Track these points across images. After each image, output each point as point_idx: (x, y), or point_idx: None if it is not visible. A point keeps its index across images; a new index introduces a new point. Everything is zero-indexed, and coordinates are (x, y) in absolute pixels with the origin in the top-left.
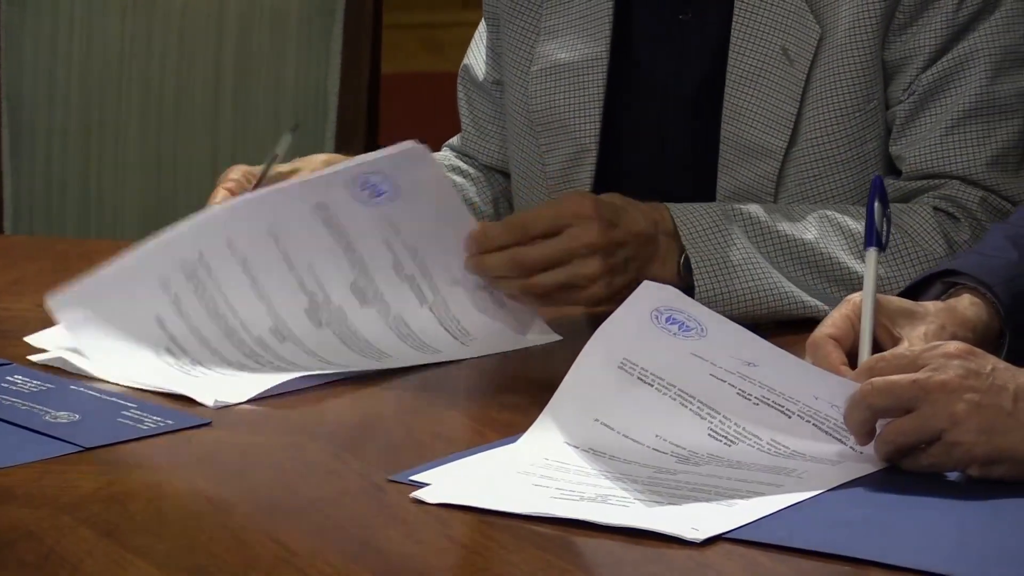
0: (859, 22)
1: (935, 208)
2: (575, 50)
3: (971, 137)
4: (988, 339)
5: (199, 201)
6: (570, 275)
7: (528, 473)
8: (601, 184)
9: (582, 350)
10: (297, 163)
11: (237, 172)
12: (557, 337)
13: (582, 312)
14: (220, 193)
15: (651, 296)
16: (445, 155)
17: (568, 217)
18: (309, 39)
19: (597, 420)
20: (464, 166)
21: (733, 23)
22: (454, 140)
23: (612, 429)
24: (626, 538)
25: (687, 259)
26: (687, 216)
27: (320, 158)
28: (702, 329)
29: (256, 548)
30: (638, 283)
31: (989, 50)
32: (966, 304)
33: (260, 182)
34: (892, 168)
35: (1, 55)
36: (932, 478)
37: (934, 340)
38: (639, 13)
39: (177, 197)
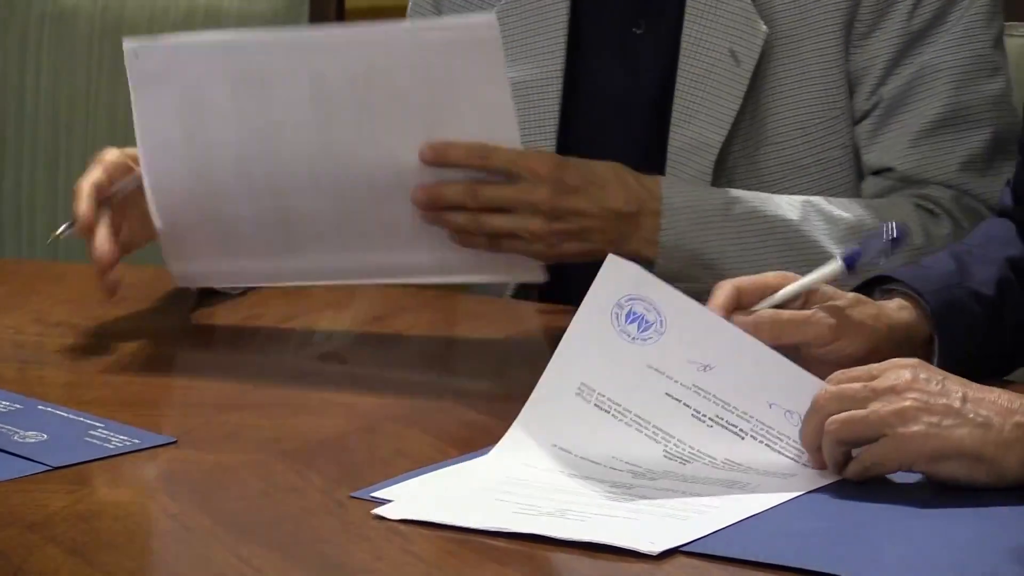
0: (819, 32)
1: (915, 205)
2: (529, 69)
3: (942, 146)
4: (914, 342)
5: None
6: (516, 225)
7: (489, 489)
8: None
9: (543, 374)
10: None
11: (113, 153)
12: None
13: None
14: (96, 170)
15: (614, 281)
16: None
17: (524, 169)
18: None
19: (555, 445)
20: None
21: (683, 29)
22: None
23: (570, 452)
24: (584, 552)
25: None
26: (675, 194)
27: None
28: (662, 323)
29: (221, 566)
30: (605, 254)
31: (955, 60)
32: (894, 307)
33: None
34: (857, 176)
35: None
36: (882, 489)
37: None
38: (591, 29)
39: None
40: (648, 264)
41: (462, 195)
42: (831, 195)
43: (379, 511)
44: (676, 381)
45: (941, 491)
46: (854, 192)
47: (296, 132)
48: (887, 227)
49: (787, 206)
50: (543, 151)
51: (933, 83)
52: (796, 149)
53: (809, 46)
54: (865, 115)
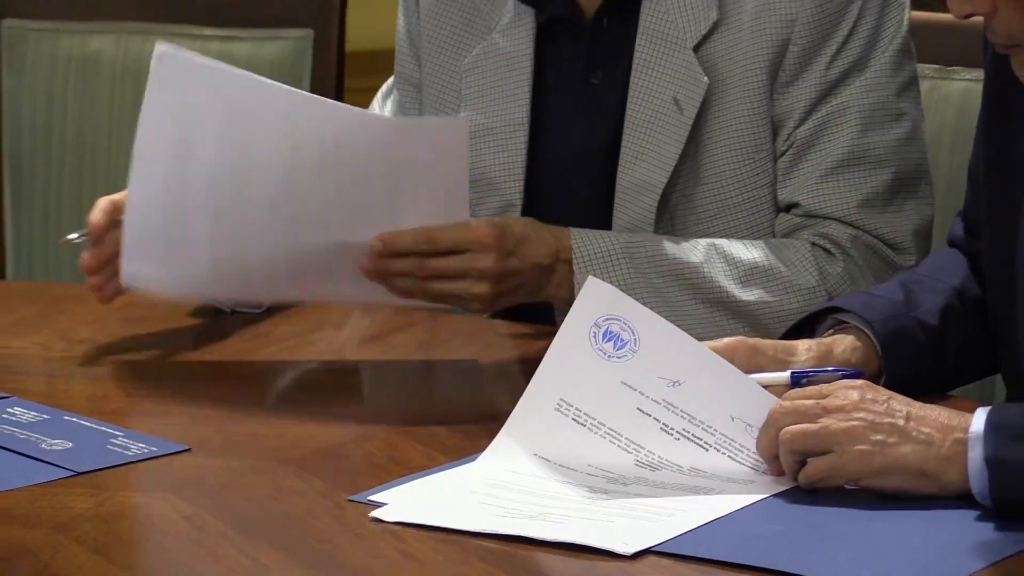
0: (749, 82)
1: (812, 243)
2: (497, 115)
3: (844, 184)
4: (863, 367)
5: None
6: (461, 290)
7: (476, 492)
8: None
9: (526, 389)
10: None
11: (104, 202)
12: None
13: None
14: (115, 195)
15: (594, 302)
16: None
17: (469, 243)
18: None
19: (536, 454)
20: None
21: (631, 79)
22: None
23: (549, 461)
24: (563, 552)
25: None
26: (583, 244)
27: None
28: (636, 341)
29: (230, 563)
30: (525, 302)
31: (860, 106)
32: (846, 345)
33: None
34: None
35: (3, 117)
36: (834, 494)
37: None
38: (553, 79)
39: None
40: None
41: (409, 268)
42: (760, 231)
43: (375, 513)
44: (647, 396)
45: (888, 496)
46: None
47: (264, 176)
48: (844, 370)
49: (690, 249)
50: (481, 221)
51: (840, 126)
52: (729, 189)
53: (740, 94)
54: (782, 155)
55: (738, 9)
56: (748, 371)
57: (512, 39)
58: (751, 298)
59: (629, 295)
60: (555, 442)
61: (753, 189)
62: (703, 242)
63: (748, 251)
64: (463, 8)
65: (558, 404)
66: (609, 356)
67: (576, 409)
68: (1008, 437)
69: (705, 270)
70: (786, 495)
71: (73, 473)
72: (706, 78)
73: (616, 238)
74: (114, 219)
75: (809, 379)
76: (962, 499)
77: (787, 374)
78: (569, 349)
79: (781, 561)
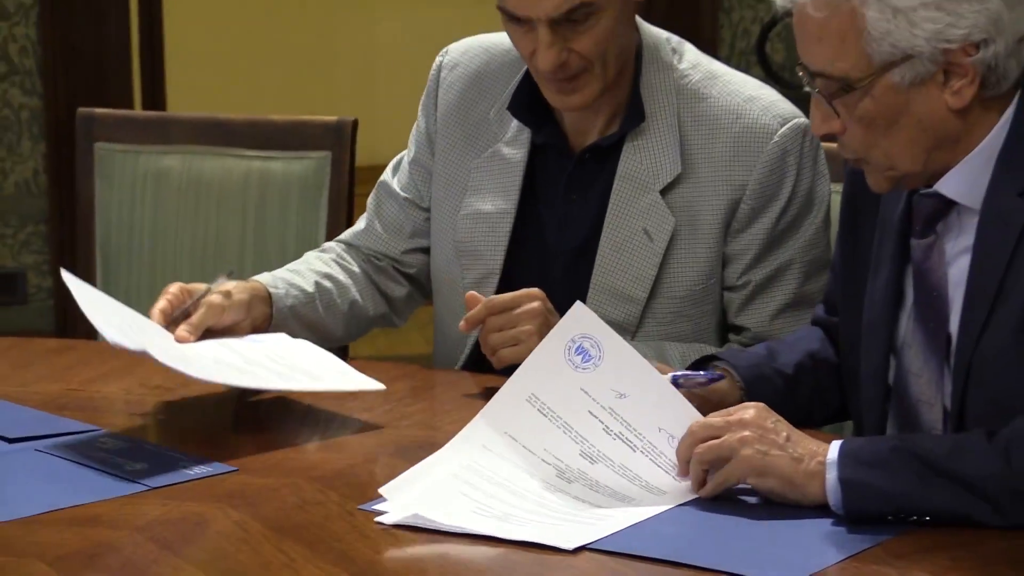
0: (708, 226)
1: None
2: (493, 204)
3: (788, 322)
4: (727, 403)
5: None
6: (513, 336)
7: (457, 476)
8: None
9: (505, 383)
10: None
11: (175, 287)
12: None
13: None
14: (160, 302)
15: (575, 321)
16: (333, 247)
17: (521, 299)
18: (304, 204)
19: (506, 433)
20: (352, 266)
21: (608, 209)
22: (349, 236)
23: (515, 440)
24: (519, 547)
25: None
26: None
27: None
28: (599, 358)
29: (268, 556)
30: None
31: (802, 261)
32: (726, 384)
33: (196, 302)
34: (723, 319)
35: (96, 217)
36: (727, 505)
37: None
38: (541, 187)
39: None
40: None
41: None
42: (703, 336)
43: (379, 519)
44: (597, 403)
45: (770, 506)
46: (716, 334)
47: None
48: (711, 373)
49: (674, 351)
50: (522, 291)
51: (787, 276)
52: (685, 303)
53: (700, 234)
54: (734, 288)
55: (696, 168)
56: None
57: (513, 149)
58: None
59: None
60: (523, 425)
61: (703, 305)
62: (655, 343)
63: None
64: (476, 119)
65: (529, 397)
66: (576, 367)
67: (542, 403)
68: (855, 463)
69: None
70: (690, 504)
71: (148, 488)
72: (673, 217)
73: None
74: (167, 322)
75: (684, 379)
76: (822, 509)
77: (669, 376)
78: (546, 356)
79: (681, 554)
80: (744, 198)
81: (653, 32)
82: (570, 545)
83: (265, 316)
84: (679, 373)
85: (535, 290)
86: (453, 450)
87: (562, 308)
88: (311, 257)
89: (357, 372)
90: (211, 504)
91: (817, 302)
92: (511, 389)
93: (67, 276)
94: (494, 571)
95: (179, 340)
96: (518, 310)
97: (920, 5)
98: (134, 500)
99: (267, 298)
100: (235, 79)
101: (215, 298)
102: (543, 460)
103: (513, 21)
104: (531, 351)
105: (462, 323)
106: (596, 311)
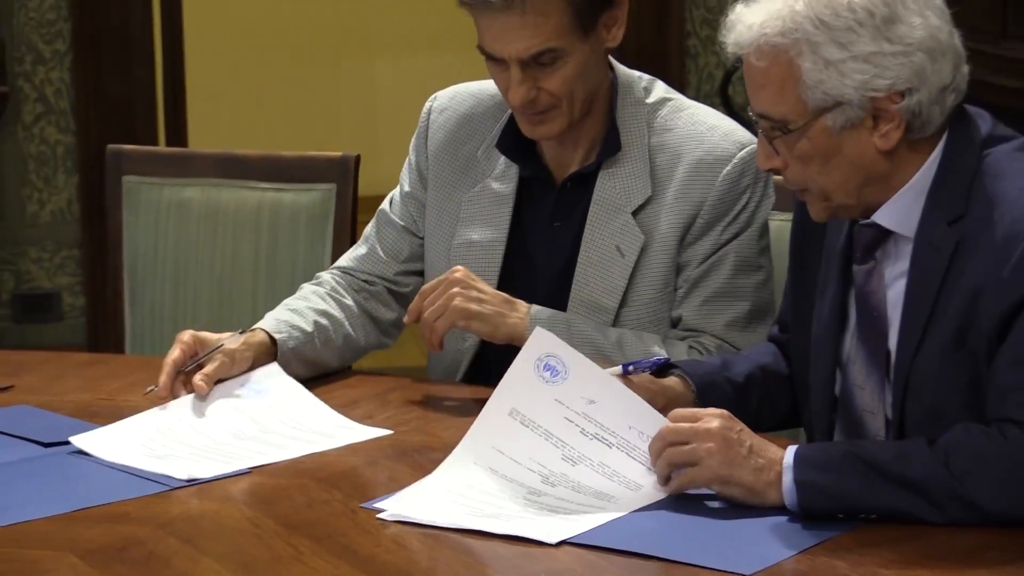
0: (668, 240)
1: (689, 347)
2: (483, 234)
3: (713, 311)
4: (682, 405)
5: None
6: (440, 307)
7: (451, 491)
8: None
9: (487, 402)
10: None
11: (187, 336)
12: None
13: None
14: (174, 352)
15: (539, 343)
16: (327, 280)
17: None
18: (311, 231)
19: (493, 447)
20: (345, 299)
21: (584, 231)
22: (347, 262)
23: (502, 452)
24: (507, 541)
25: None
26: (539, 309)
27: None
28: (566, 372)
29: (277, 550)
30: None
31: (734, 257)
32: (675, 384)
33: (209, 355)
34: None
35: (124, 243)
36: (692, 504)
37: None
38: (528, 217)
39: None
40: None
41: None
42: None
43: (379, 516)
44: (571, 409)
45: (733, 506)
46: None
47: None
48: (657, 359)
49: (612, 334)
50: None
51: (719, 269)
52: (645, 311)
53: (662, 248)
54: (678, 288)
55: (664, 190)
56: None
57: (502, 184)
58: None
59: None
60: (508, 438)
61: (660, 313)
62: (617, 330)
63: (646, 342)
64: (465, 157)
65: (510, 412)
66: (547, 381)
67: (523, 415)
68: (809, 466)
69: (610, 352)
70: (660, 503)
71: (170, 488)
72: (643, 236)
73: (561, 313)
74: (178, 372)
75: (634, 367)
76: (780, 508)
77: (619, 367)
78: (520, 374)
79: (652, 548)
80: (700, 213)
81: (626, 71)
82: (552, 539)
83: (270, 361)
84: (628, 363)
85: (458, 267)
86: (446, 469)
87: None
88: (308, 292)
89: (361, 425)
90: (227, 503)
91: (743, 295)
92: (493, 407)
93: (79, 441)
94: (482, 562)
95: (197, 390)
96: (443, 281)
97: (849, 58)
98: (157, 499)
99: (271, 347)
100: (250, 118)
101: (223, 358)
102: (529, 469)
103: (491, 60)
104: (459, 312)
105: (408, 314)
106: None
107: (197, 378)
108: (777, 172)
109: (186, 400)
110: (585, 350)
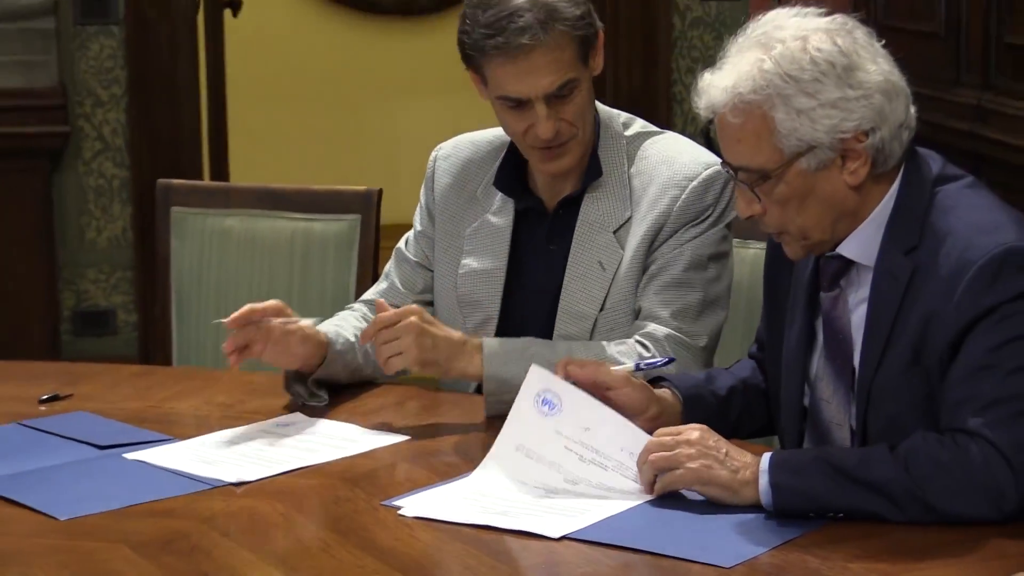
0: (640, 250)
1: (636, 340)
2: (485, 263)
3: (666, 299)
4: (671, 414)
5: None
6: (395, 347)
7: (466, 498)
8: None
9: (497, 437)
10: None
11: (277, 300)
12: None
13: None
14: (262, 304)
15: (535, 380)
16: (359, 307)
17: (402, 315)
18: (339, 257)
19: (504, 475)
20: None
21: (571, 248)
22: (371, 295)
23: (510, 479)
24: (512, 536)
25: (484, 358)
26: (492, 341)
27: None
28: (561, 405)
29: (308, 542)
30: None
31: (690, 255)
32: (665, 395)
33: (284, 320)
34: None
35: (171, 267)
36: (677, 503)
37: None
38: (525, 243)
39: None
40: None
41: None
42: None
43: (398, 512)
44: (569, 438)
45: (714, 506)
46: None
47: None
48: (663, 359)
49: (562, 347)
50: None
51: (674, 263)
52: (618, 315)
53: (634, 257)
54: (641, 282)
55: (640, 207)
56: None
57: (500, 217)
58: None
59: (518, 377)
60: (516, 470)
61: (628, 316)
62: (571, 344)
63: (597, 350)
64: (467, 197)
65: (517, 446)
66: (545, 415)
67: (528, 449)
68: (783, 470)
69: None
70: (651, 503)
71: (211, 486)
72: (622, 251)
73: (516, 341)
74: (248, 318)
75: (646, 365)
76: (756, 507)
77: (632, 364)
78: (522, 412)
79: (641, 542)
80: (667, 222)
81: (607, 109)
82: (555, 534)
83: (320, 355)
84: (640, 361)
85: (413, 306)
86: (461, 484)
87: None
88: (346, 315)
89: (381, 432)
90: (262, 500)
91: (695, 287)
92: (502, 443)
93: (133, 457)
94: (489, 554)
95: (268, 330)
96: (399, 325)
97: (818, 105)
98: (200, 497)
99: (325, 342)
100: (284, 155)
101: (297, 326)
102: (534, 486)
103: (511, 105)
104: (412, 360)
105: (360, 338)
106: (560, 330)
107: (277, 321)
108: (752, 219)
109: (228, 432)
110: (543, 367)
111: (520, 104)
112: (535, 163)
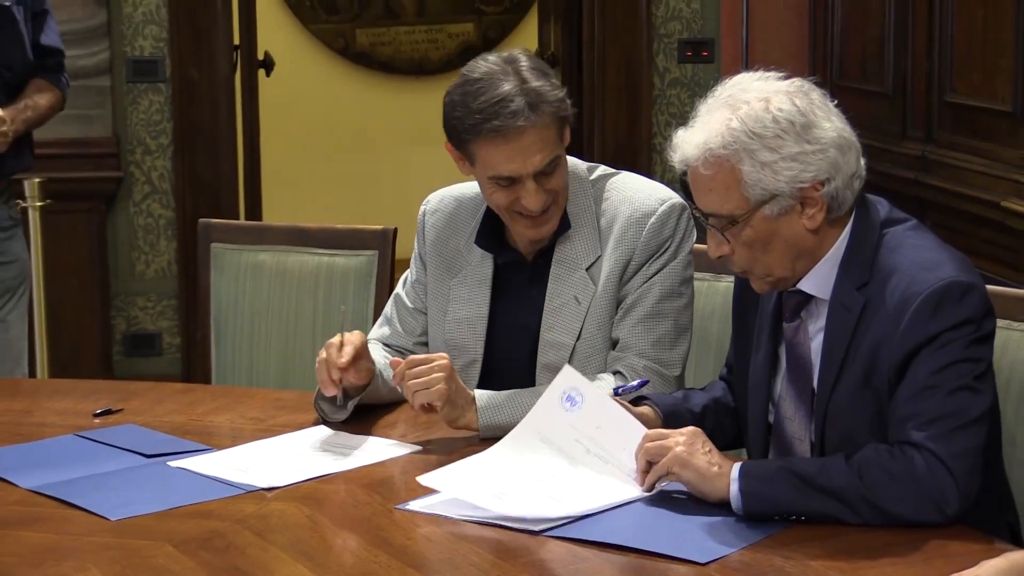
0: (611, 283)
1: (615, 372)
2: (469, 311)
3: (643, 331)
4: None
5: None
6: (426, 382)
7: (472, 472)
8: (483, 377)
9: (518, 424)
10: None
11: (360, 340)
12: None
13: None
14: (349, 350)
15: (565, 378)
16: (374, 342)
17: (434, 358)
18: (359, 288)
19: (517, 455)
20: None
21: (548, 286)
22: (376, 336)
23: (521, 457)
24: (510, 533)
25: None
26: (485, 394)
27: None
28: (583, 403)
29: (331, 540)
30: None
31: (660, 287)
32: (647, 412)
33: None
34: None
35: (211, 298)
36: (661, 502)
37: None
38: (507, 290)
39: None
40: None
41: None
42: (604, 370)
43: (415, 511)
44: (581, 432)
45: (692, 508)
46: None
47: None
48: (640, 382)
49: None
50: (435, 355)
51: (647, 295)
52: (599, 343)
53: (606, 291)
54: (617, 315)
55: (607, 245)
56: None
57: (480, 270)
58: None
59: (513, 421)
60: (527, 450)
61: (606, 339)
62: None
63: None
64: (452, 250)
65: (534, 431)
66: (567, 410)
67: (544, 435)
68: (751, 478)
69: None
70: (634, 502)
71: (245, 491)
72: (594, 286)
73: (499, 392)
74: (360, 355)
75: (623, 390)
76: (728, 510)
77: (611, 389)
78: (547, 403)
79: (623, 539)
80: (634, 257)
81: (571, 159)
82: (538, 527)
83: (371, 370)
84: (618, 387)
85: (443, 354)
86: (473, 460)
87: (528, 374)
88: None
89: (396, 444)
90: (290, 503)
91: (667, 316)
92: (522, 428)
93: (176, 465)
94: (489, 549)
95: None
96: (432, 364)
97: (780, 159)
98: (235, 500)
99: (375, 371)
100: (311, 198)
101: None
102: (537, 467)
103: (501, 183)
104: (440, 395)
105: (394, 377)
106: (541, 359)
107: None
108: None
109: (260, 442)
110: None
111: (509, 181)
112: (520, 230)
